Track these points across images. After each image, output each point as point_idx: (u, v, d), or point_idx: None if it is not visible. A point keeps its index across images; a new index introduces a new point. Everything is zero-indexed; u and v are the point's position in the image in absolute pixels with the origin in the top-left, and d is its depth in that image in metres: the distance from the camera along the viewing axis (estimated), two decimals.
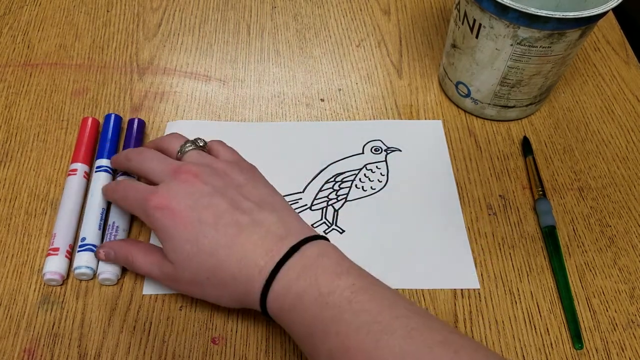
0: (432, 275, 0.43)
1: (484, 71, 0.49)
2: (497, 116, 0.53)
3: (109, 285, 0.42)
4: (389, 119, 0.53)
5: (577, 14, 0.41)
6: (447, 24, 0.62)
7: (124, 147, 0.49)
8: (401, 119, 0.53)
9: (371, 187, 0.48)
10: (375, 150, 0.51)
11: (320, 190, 0.48)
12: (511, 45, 0.45)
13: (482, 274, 0.44)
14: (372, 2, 0.64)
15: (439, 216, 0.47)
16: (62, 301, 0.41)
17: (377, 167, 0.50)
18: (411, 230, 0.46)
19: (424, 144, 0.51)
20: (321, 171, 0.49)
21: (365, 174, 0.49)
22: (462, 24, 0.48)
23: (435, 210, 0.47)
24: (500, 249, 0.45)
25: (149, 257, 0.39)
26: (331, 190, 0.48)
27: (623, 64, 0.59)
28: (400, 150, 0.51)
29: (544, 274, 0.44)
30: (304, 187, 0.48)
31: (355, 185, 0.48)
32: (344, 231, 0.45)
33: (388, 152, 0.51)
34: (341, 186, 0.48)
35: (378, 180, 0.49)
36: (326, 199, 0.47)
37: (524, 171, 0.50)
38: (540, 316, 0.42)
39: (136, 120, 0.50)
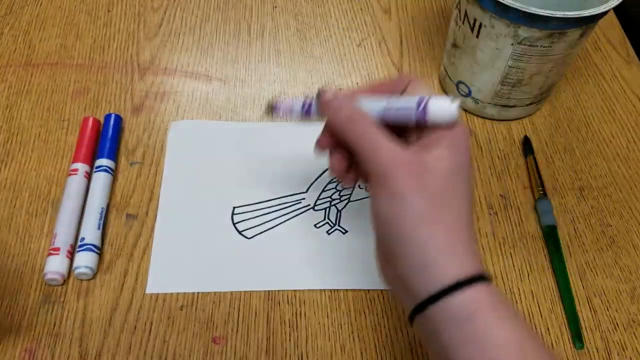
0: None
1: (484, 71, 0.49)
2: (497, 116, 0.53)
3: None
4: None
5: (578, 13, 0.41)
6: (447, 23, 0.62)
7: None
8: None
9: None
10: None
11: (323, 191, 0.48)
12: (512, 44, 0.45)
13: None
14: (373, 2, 0.64)
15: None
16: (63, 301, 0.41)
17: None
18: None
19: None
20: (324, 171, 0.49)
21: None
22: (463, 23, 0.48)
23: None
24: (500, 248, 0.45)
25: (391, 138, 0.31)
26: (334, 190, 0.48)
27: (624, 63, 0.59)
28: None
29: (544, 273, 0.44)
30: (307, 187, 0.48)
31: (359, 186, 0.48)
32: (347, 231, 0.45)
33: None
34: (344, 186, 0.48)
35: None
36: (329, 199, 0.47)
37: (525, 171, 0.50)
38: (541, 316, 0.42)
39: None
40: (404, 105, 0.32)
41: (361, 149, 0.31)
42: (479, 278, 0.28)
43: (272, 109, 0.37)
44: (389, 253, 0.31)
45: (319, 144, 0.36)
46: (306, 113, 0.36)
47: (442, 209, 0.29)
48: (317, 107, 0.34)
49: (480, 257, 0.30)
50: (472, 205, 0.32)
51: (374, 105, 0.33)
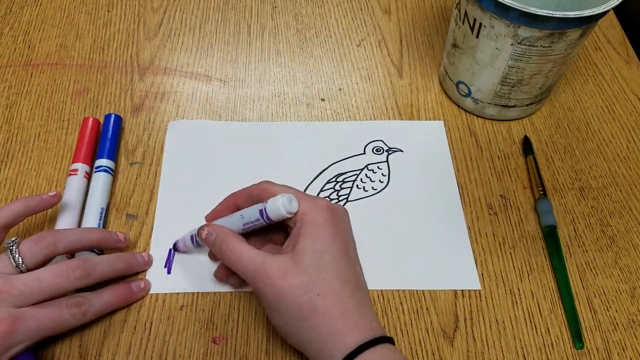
0: (433, 276, 0.44)
1: (484, 71, 0.49)
2: (497, 116, 0.53)
3: None
4: (389, 118, 0.53)
5: (578, 13, 0.41)
6: (447, 23, 0.62)
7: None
8: (402, 119, 0.53)
9: (372, 188, 0.48)
10: (376, 150, 0.51)
11: (321, 191, 0.48)
12: (512, 44, 0.45)
13: (482, 274, 0.44)
14: (373, 2, 0.64)
15: (440, 217, 0.47)
16: None
17: (378, 167, 0.50)
18: (412, 231, 0.46)
19: (426, 145, 0.51)
20: (322, 171, 0.49)
21: (366, 175, 0.49)
22: (463, 23, 0.48)
23: (436, 211, 0.47)
24: (500, 248, 0.45)
25: (252, 250, 0.36)
26: (332, 190, 0.48)
27: (624, 63, 0.59)
28: (401, 151, 0.51)
29: (544, 273, 0.44)
30: (305, 187, 0.48)
31: (357, 186, 0.48)
32: None
33: (389, 152, 0.51)
34: (342, 186, 0.48)
35: (379, 180, 0.49)
36: (327, 199, 0.47)
37: (525, 171, 0.50)
38: (541, 316, 0.42)
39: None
40: (253, 217, 0.37)
41: (235, 269, 0.36)
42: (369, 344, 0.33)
43: (174, 248, 0.43)
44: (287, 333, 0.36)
45: (217, 276, 0.42)
46: (196, 243, 0.41)
47: (308, 294, 0.34)
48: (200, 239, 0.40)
49: (368, 322, 0.35)
50: (355, 267, 0.37)
51: (236, 224, 0.38)
